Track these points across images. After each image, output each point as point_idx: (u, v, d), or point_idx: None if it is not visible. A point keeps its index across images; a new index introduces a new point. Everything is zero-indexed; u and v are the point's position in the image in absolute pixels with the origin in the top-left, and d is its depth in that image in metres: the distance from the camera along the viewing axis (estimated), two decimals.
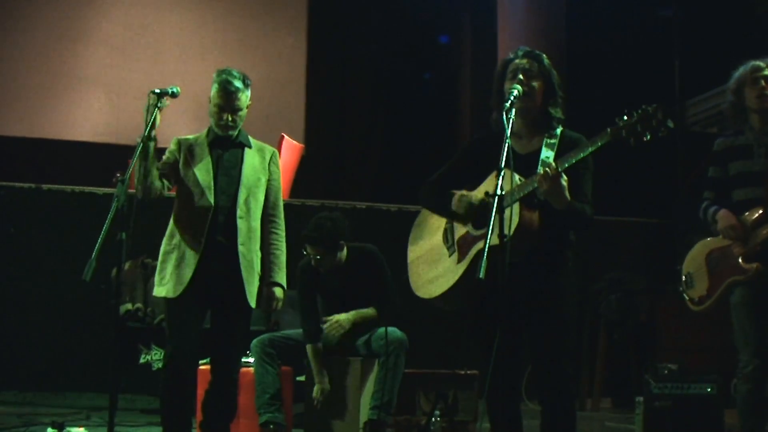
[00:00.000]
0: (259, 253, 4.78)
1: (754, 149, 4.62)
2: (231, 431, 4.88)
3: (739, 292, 4.60)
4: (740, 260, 4.55)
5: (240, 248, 4.66)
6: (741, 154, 4.65)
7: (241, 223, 4.67)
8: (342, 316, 5.71)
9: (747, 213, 4.55)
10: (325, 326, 5.72)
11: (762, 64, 4.64)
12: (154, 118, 4.35)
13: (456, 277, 3.93)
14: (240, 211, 4.68)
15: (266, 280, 4.79)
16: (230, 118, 4.71)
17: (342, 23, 11.95)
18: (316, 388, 5.69)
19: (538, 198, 3.78)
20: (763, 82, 4.59)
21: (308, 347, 5.73)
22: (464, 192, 3.98)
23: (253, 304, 4.71)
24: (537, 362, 3.95)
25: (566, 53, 9.42)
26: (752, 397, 4.54)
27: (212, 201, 4.64)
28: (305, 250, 5.73)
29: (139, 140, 4.34)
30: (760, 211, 4.51)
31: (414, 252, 4.25)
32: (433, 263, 4.09)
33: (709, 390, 5.61)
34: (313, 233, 5.66)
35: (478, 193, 3.94)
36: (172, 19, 11.32)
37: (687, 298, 4.87)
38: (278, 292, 4.82)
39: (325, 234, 5.66)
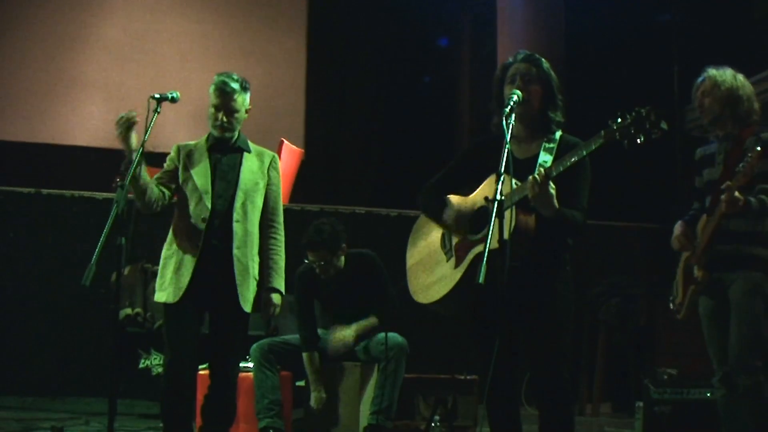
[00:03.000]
0: (256, 258, 4.77)
1: (715, 157, 4.64)
2: None
3: (702, 302, 4.64)
4: (695, 269, 4.58)
5: (235, 252, 4.65)
6: (708, 162, 4.69)
7: (237, 227, 4.67)
8: (346, 333, 5.69)
9: (698, 223, 4.59)
10: (330, 344, 5.71)
11: (699, 79, 4.67)
12: (132, 148, 4.37)
13: (453, 282, 3.92)
14: (236, 215, 4.68)
15: (264, 286, 4.78)
16: (225, 119, 4.72)
17: (341, 28, 11.97)
18: (313, 397, 5.68)
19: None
20: (699, 95, 4.64)
21: (305, 356, 5.72)
22: (457, 202, 4.00)
23: (247, 308, 4.68)
24: (535, 367, 3.95)
25: (565, 58, 9.43)
26: (725, 402, 4.57)
27: (209, 205, 4.64)
28: (307, 259, 5.72)
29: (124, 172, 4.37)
30: (704, 220, 4.53)
31: (412, 257, 4.25)
32: (430, 268, 4.09)
33: (708, 395, 5.61)
34: (315, 238, 5.65)
35: (467, 203, 3.96)
36: (172, 24, 11.33)
37: (672, 306, 4.89)
38: (276, 297, 4.80)
39: (326, 238, 5.65)
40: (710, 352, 4.65)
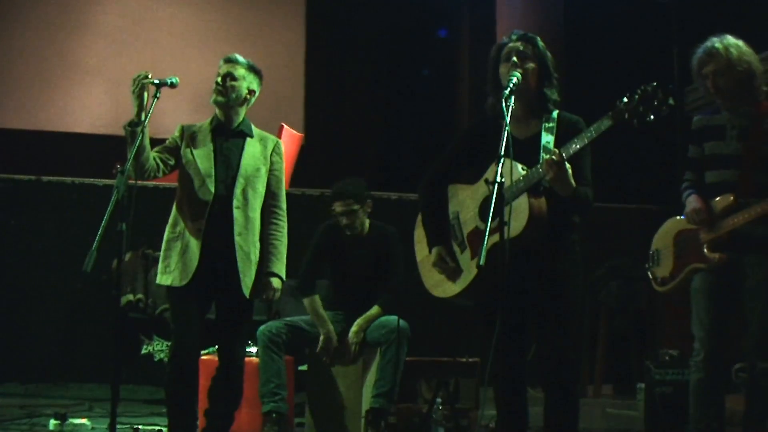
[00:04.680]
0: (257, 244, 4.78)
1: (726, 130, 4.46)
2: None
3: (700, 278, 4.47)
4: (705, 248, 4.40)
5: (236, 239, 4.66)
6: (715, 135, 4.49)
7: (237, 214, 4.67)
8: (352, 336, 5.68)
9: (718, 199, 4.37)
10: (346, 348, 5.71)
11: (701, 52, 4.48)
12: (143, 106, 4.39)
13: (472, 274, 3.92)
14: (236, 202, 4.68)
15: (264, 271, 4.78)
16: (220, 81, 4.74)
17: (341, 13, 11.92)
18: (322, 338, 5.69)
19: (543, 185, 3.78)
20: (710, 75, 4.43)
21: (306, 301, 5.77)
22: (463, 191, 4.02)
23: (247, 294, 4.70)
24: (542, 347, 3.95)
25: (564, 41, 9.41)
26: (703, 386, 4.44)
27: (212, 190, 4.65)
28: (334, 211, 5.78)
29: (128, 127, 4.39)
30: (731, 199, 4.32)
31: (422, 250, 4.23)
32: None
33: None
34: (341, 187, 5.77)
35: (475, 192, 3.97)
36: (170, 9, 11.30)
37: (651, 276, 4.74)
38: (275, 282, 4.81)
39: (351, 188, 5.76)
40: (695, 330, 4.49)
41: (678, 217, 4.65)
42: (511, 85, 3.78)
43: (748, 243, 4.33)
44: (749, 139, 4.38)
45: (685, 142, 4.72)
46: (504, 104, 3.70)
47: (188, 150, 4.74)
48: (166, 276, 4.68)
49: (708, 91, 4.50)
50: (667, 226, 4.72)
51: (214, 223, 4.65)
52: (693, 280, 4.51)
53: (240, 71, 4.78)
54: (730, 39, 4.45)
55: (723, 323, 4.44)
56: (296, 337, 5.72)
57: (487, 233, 3.39)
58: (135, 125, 4.40)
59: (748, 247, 4.34)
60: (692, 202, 4.49)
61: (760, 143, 4.34)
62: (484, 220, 3.87)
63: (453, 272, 4.01)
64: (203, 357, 5.54)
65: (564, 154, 3.67)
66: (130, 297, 7.21)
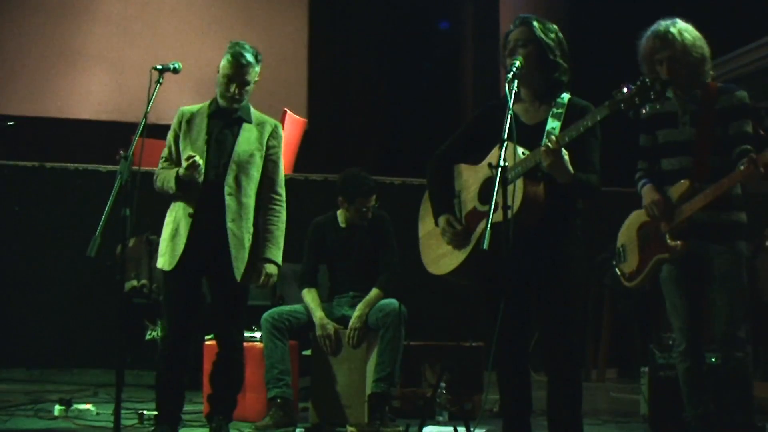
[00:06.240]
0: (251, 230, 4.75)
1: (678, 116, 4.42)
2: (238, 404, 4.95)
3: (667, 267, 4.43)
4: (666, 237, 4.33)
5: (229, 225, 4.65)
6: (667, 122, 4.46)
7: (229, 200, 4.66)
8: (354, 321, 5.68)
9: (673, 187, 4.33)
10: (346, 337, 5.70)
11: (650, 35, 4.43)
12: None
13: (465, 254, 3.93)
14: (228, 188, 4.67)
15: (259, 257, 4.76)
16: (237, 91, 4.71)
17: None
18: (318, 326, 5.67)
19: (542, 170, 3.78)
20: (666, 59, 4.35)
21: (305, 292, 5.77)
22: (466, 171, 4.01)
23: (239, 278, 4.68)
24: (545, 332, 3.95)
25: (568, 29, 9.39)
26: (692, 374, 4.45)
27: (200, 177, 4.65)
28: (363, 207, 5.79)
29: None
30: (686, 185, 4.27)
31: (424, 228, 4.26)
32: (441, 239, 4.09)
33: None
34: (367, 185, 5.78)
35: (476, 172, 3.97)
36: None
37: (619, 272, 4.70)
38: (270, 268, 4.77)
39: (372, 183, 5.82)
40: (674, 321, 4.47)
41: (640, 211, 4.59)
42: (514, 69, 3.79)
43: (712, 231, 4.30)
44: (701, 123, 4.34)
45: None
46: (507, 89, 3.71)
47: (185, 136, 4.75)
48: (161, 258, 4.72)
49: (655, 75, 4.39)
50: (630, 220, 4.66)
51: (206, 208, 4.65)
52: (661, 270, 4.47)
53: (252, 73, 4.73)
54: (681, 23, 4.39)
55: (697, 310, 4.42)
56: (300, 322, 5.72)
57: (490, 217, 3.40)
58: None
59: (712, 235, 4.30)
60: (649, 193, 4.43)
61: (711, 126, 4.30)
62: (482, 201, 3.90)
63: (460, 237, 3.99)
64: (207, 342, 5.55)
65: (561, 142, 3.68)
66: (134, 282, 7.22)
